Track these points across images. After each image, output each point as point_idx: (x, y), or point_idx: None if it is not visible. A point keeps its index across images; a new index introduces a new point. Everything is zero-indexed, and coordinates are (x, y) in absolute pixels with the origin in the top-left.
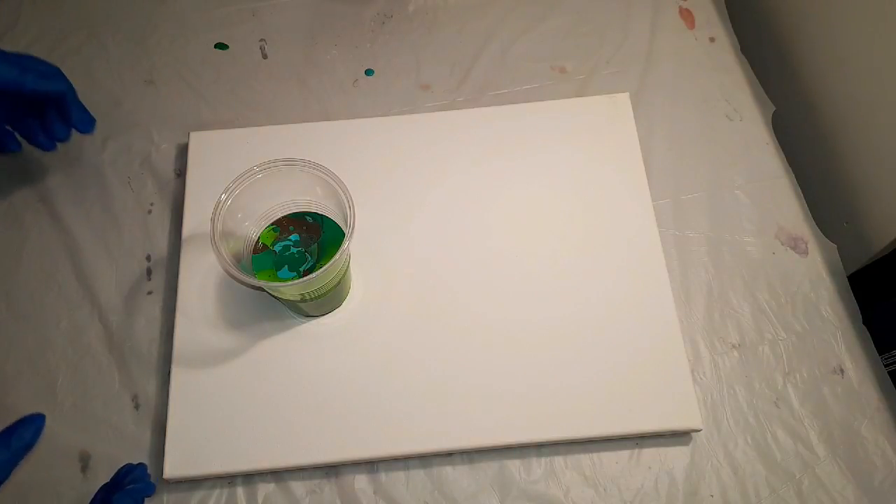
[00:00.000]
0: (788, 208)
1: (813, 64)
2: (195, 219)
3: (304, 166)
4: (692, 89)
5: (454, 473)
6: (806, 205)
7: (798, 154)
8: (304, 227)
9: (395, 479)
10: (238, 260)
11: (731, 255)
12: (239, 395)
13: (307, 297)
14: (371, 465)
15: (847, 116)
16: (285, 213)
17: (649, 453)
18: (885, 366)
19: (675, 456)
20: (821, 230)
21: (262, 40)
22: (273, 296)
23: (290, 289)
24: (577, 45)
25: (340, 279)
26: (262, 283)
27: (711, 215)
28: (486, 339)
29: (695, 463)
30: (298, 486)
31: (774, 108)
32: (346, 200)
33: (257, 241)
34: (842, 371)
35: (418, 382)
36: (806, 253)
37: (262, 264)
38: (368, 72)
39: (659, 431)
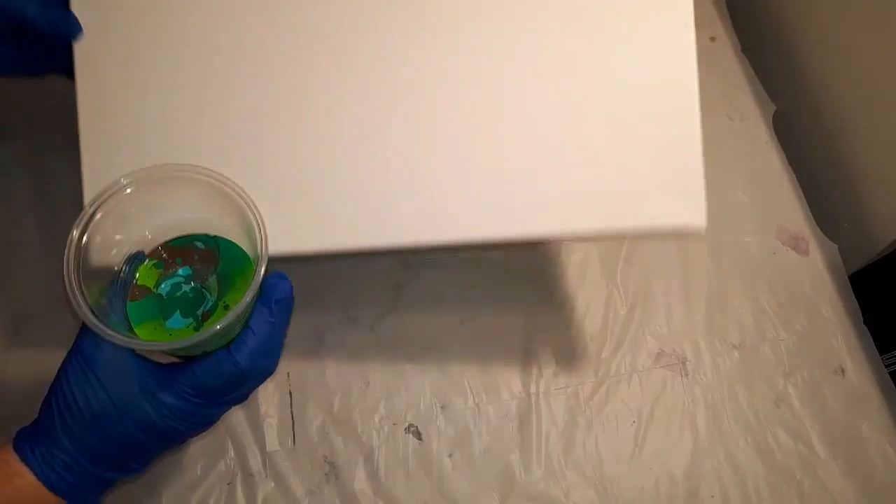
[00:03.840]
0: (789, 208)
1: (813, 63)
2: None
3: (186, 171)
4: None
5: (454, 473)
6: (807, 204)
7: (799, 154)
8: (196, 256)
9: (396, 480)
10: (109, 312)
11: (731, 255)
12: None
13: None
14: (371, 466)
15: (848, 116)
16: (167, 240)
17: (649, 453)
18: (886, 366)
19: (676, 456)
20: (821, 230)
21: None
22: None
23: (206, 339)
24: None
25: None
26: (153, 346)
27: (711, 215)
28: (465, 108)
29: (695, 463)
30: (298, 487)
31: (775, 108)
32: (248, 210)
33: (135, 283)
34: (842, 371)
35: (385, 160)
36: (807, 253)
37: (144, 314)
38: None
39: (658, 229)
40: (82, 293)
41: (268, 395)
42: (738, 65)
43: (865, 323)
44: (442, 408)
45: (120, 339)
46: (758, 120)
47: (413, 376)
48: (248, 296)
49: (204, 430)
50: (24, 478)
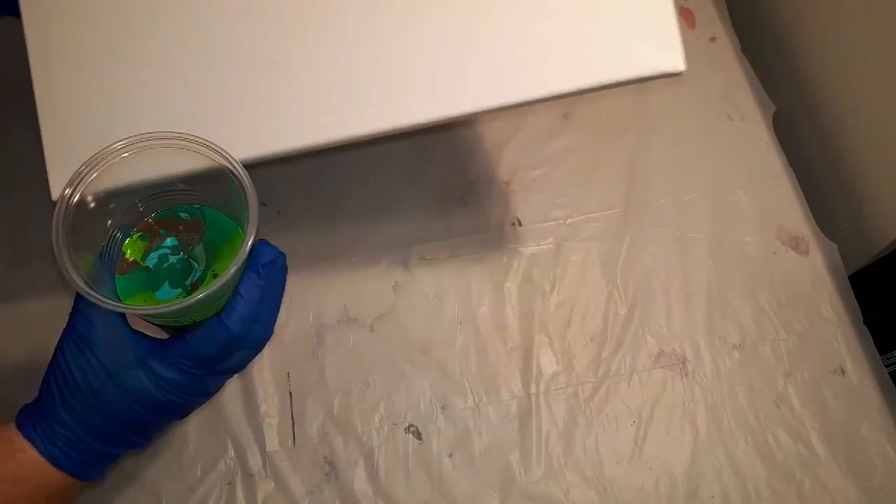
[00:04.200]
0: (789, 208)
1: (814, 63)
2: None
3: (173, 139)
4: (692, 89)
5: (454, 473)
6: (807, 204)
7: (799, 154)
8: (181, 227)
9: (396, 480)
10: (98, 285)
11: (731, 255)
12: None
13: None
14: (371, 466)
15: (848, 115)
16: (151, 212)
17: (649, 453)
18: (886, 366)
19: (675, 456)
20: (821, 230)
21: None
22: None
23: (193, 305)
24: None
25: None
26: (140, 310)
27: (711, 215)
28: None
29: (695, 463)
30: (298, 487)
31: (775, 108)
32: (238, 177)
33: (123, 256)
34: (842, 371)
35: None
36: (807, 253)
37: (133, 287)
38: None
39: (636, 77)
40: (69, 254)
41: (268, 395)
42: (738, 65)
43: (865, 323)
44: (442, 408)
45: (106, 302)
46: (758, 120)
47: (413, 376)
48: (235, 264)
49: (203, 402)
50: (27, 454)
